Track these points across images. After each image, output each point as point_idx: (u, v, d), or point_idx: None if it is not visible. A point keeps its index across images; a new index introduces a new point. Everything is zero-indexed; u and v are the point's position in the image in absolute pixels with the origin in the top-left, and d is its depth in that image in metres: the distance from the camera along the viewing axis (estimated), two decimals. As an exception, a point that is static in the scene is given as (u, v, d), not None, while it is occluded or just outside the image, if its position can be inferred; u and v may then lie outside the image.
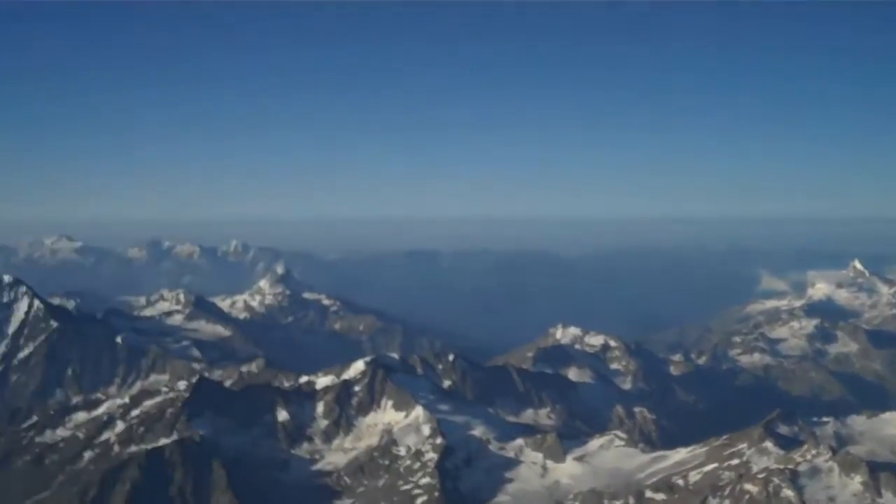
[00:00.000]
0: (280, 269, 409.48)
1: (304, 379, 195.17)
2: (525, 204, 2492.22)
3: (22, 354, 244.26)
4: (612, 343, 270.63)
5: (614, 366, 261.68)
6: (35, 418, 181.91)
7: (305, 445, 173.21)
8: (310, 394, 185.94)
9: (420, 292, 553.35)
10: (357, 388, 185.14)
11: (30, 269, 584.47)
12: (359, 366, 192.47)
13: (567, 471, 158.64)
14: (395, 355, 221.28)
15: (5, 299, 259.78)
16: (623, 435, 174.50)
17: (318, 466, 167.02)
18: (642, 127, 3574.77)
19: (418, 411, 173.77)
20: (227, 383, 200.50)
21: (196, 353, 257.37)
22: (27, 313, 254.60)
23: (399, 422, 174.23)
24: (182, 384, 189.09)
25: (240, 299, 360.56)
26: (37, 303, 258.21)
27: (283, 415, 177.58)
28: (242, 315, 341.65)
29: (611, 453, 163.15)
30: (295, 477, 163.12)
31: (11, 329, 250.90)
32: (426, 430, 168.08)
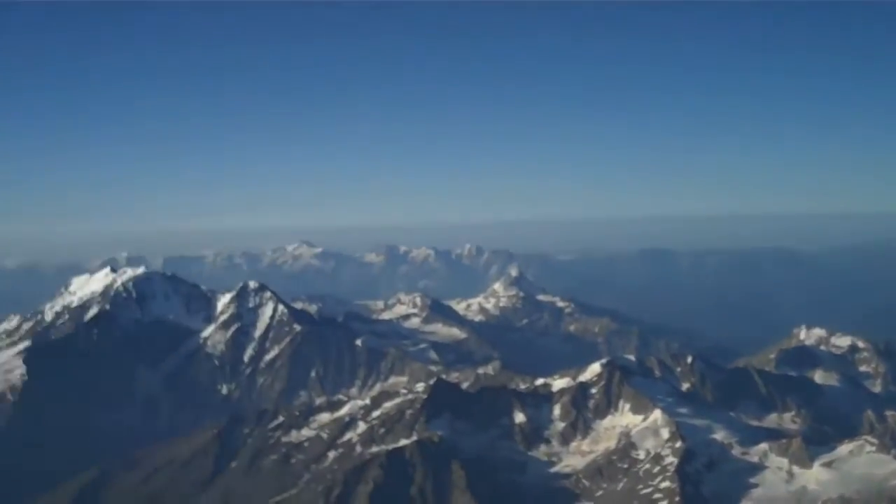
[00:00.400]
0: (514, 272, 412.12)
1: (539, 381, 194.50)
2: (763, 199, 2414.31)
3: (268, 357, 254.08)
4: (861, 344, 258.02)
5: (863, 368, 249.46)
6: (281, 419, 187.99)
7: (543, 448, 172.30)
8: (546, 396, 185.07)
9: (656, 292, 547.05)
10: (594, 391, 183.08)
11: (274, 274, 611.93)
12: (595, 368, 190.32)
13: (814, 477, 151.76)
14: (632, 357, 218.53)
15: (251, 304, 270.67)
16: (874, 440, 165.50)
17: (556, 469, 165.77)
18: (880, 119, 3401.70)
19: (657, 414, 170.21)
20: (464, 385, 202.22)
21: (433, 355, 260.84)
22: (272, 317, 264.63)
23: (637, 425, 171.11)
24: (420, 386, 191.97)
25: (475, 302, 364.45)
26: (281, 307, 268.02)
27: (519, 417, 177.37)
28: (478, 318, 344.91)
29: (861, 459, 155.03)
30: (533, 479, 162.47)
31: (258, 333, 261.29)
32: (665, 433, 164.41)
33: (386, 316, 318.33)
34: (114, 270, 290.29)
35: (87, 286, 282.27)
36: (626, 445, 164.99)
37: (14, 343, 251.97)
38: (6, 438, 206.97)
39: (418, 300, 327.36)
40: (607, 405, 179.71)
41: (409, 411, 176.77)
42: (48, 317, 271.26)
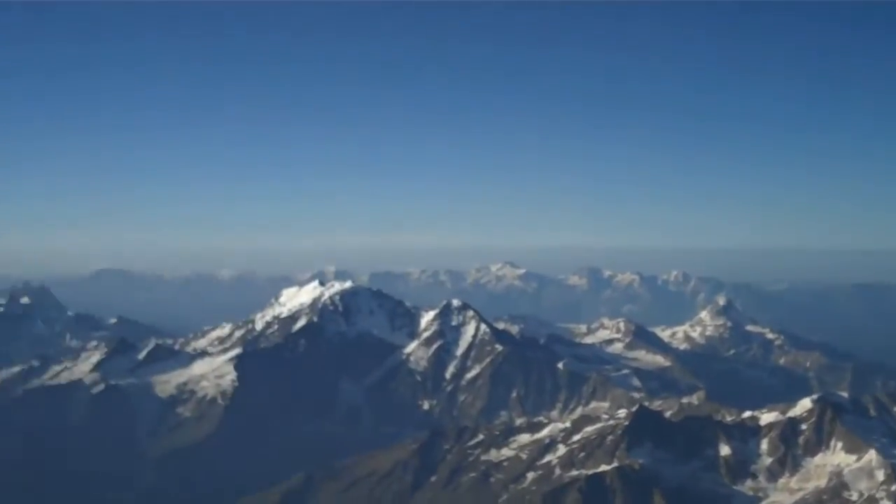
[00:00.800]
0: (722, 301, 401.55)
1: (746, 414, 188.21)
2: None
3: (469, 375, 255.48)
4: None
5: None
6: (481, 437, 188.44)
7: (748, 482, 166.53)
8: (753, 429, 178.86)
9: (872, 328, 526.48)
10: (804, 427, 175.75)
11: (477, 293, 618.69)
12: (805, 403, 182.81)
13: None
14: (845, 394, 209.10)
15: (454, 322, 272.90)
16: None
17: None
18: None
19: (871, 455, 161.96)
20: (667, 414, 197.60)
21: (636, 382, 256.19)
22: (474, 336, 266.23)
23: (850, 464, 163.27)
24: (622, 412, 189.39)
25: (680, 330, 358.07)
26: (483, 326, 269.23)
27: (725, 449, 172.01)
28: (682, 346, 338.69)
29: None
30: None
31: (460, 351, 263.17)
32: (881, 475, 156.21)
33: (588, 340, 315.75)
34: (322, 284, 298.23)
35: (296, 298, 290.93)
36: (838, 485, 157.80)
37: (226, 350, 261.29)
38: (216, 441, 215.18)
39: (622, 325, 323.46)
40: (818, 442, 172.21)
41: (610, 437, 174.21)
42: (258, 326, 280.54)
